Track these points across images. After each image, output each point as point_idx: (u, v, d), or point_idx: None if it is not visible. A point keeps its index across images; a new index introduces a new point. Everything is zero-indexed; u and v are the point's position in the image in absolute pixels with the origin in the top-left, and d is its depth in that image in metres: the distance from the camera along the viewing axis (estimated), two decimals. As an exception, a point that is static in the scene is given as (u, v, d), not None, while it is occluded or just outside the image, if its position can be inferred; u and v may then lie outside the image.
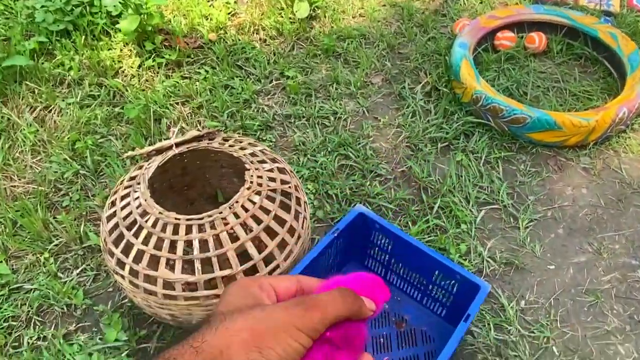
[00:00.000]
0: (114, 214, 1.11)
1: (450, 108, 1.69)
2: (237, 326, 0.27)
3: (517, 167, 1.55)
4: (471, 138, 1.61)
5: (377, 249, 1.25)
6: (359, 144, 1.61)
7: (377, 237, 1.23)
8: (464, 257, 1.33)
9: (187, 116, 1.69)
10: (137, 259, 1.04)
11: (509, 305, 1.24)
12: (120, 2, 1.92)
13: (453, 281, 1.13)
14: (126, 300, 1.24)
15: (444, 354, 0.96)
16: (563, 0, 2.03)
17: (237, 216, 1.06)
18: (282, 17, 2.02)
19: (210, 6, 2.09)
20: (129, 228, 1.07)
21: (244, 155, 1.18)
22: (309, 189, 1.47)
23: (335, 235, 1.15)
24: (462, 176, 1.51)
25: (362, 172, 1.53)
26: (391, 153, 1.60)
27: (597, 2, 2.00)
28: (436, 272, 1.14)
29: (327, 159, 1.55)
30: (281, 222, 1.11)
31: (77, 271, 1.31)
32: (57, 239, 1.37)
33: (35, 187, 1.50)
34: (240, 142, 1.25)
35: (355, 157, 1.56)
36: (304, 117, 1.69)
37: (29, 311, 1.24)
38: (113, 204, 1.13)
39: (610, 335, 1.21)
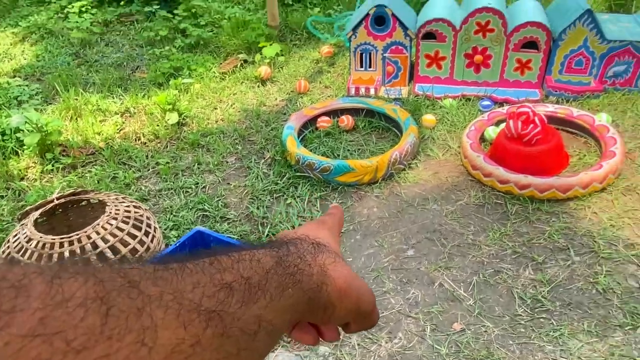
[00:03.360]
0: (7, 248, 1.52)
1: (283, 170, 2.27)
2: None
3: (330, 202, 2.11)
4: (298, 187, 2.18)
5: (214, 257, 1.70)
6: (214, 201, 2.12)
7: (212, 248, 1.69)
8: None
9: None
10: (23, 269, 1.44)
11: (316, 286, 1.71)
12: (26, 122, 2.44)
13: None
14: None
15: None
16: (366, 94, 2.78)
17: (98, 233, 1.51)
18: (158, 125, 2.62)
19: (102, 124, 2.67)
20: (18, 251, 1.48)
21: (109, 199, 1.66)
22: (173, 235, 1.94)
23: (176, 245, 1.61)
24: (289, 212, 2.05)
25: (215, 218, 2.03)
26: (239, 205, 2.12)
27: (391, 92, 2.76)
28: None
29: (188, 213, 2.04)
30: (133, 236, 1.56)
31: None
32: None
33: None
34: (109, 195, 1.73)
35: (210, 210, 2.07)
36: (171, 189, 2.21)
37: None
38: (7, 241, 1.55)
39: (386, 293, 1.69)
